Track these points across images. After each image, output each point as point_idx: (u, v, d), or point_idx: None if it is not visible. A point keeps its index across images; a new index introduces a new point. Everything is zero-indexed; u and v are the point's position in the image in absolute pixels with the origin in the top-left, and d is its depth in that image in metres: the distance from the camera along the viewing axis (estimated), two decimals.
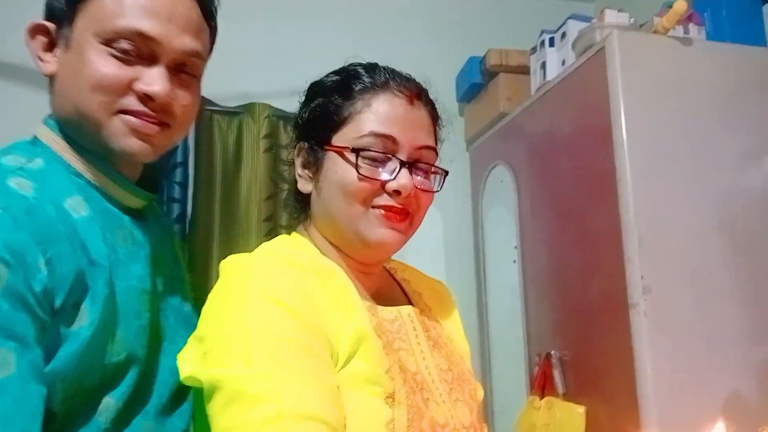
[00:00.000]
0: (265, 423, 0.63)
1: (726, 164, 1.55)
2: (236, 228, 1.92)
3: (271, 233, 1.96)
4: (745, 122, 1.58)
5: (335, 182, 0.83)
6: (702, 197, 1.51)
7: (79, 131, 0.79)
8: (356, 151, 0.82)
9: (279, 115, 2.09)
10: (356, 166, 0.82)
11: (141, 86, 0.76)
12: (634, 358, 1.40)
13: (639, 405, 1.38)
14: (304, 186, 0.88)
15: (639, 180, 1.45)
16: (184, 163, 1.90)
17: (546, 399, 1.65)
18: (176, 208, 1.87)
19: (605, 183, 1.50)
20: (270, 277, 0.75)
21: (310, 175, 0.87)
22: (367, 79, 0.87)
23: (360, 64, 0.90)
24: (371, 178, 0.82)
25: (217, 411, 0.67)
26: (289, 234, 0.92)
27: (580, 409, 1.56)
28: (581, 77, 1.66)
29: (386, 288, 0.95)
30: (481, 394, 0.96)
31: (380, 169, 0.82)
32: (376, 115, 0.83)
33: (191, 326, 0.79)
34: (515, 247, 2.00)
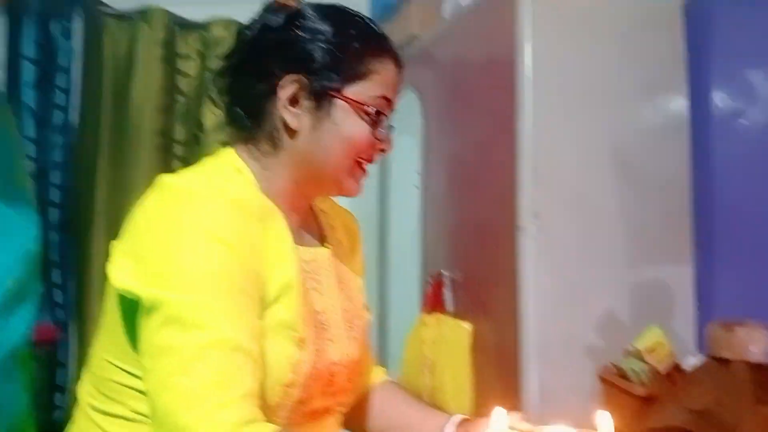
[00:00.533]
0: (201, 347, 0.67)
1: (622, 98, 1.59)
2: (126, 141, 1.82)
3: (164, 149, 1.88)
4: (642, 57, 1.62)
5: (343, 134, 0.83)
6: (597, 128, 1.56)
7: None
8: (378, 113, 0.84)
9: (179, 23, 1.97)
10: (373, 126, 0.84)
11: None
12: (519, 278, 1.47)
13: (520, 322, 1.46)
14: (293, 120, 0.83)
15: (538, 110, 1.48)
16: (68, 69, 1.76)
17: (435, 316, 1.71)
18: (58, 116, 1.75)
19: (506, 111, 1.52)
20: (218, 217, 0.75)
21: (301, 112, 0.83)
22: (384, 42, 0.87)
23: (374, 23, 0.89)
24: (380, 140, 0.86)
25: (152, 329, 0.70)
26: (225, 150, 0.87)
27: (467, 326, 1.63)
28: (492, 6, 1.65)
29: (308, 223, 0.94)
30: (369, 320, 0.99)
31: (378, 130, 0.86)
32: (386, 78, 0.86)
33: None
34: (418, 173, 2.03)
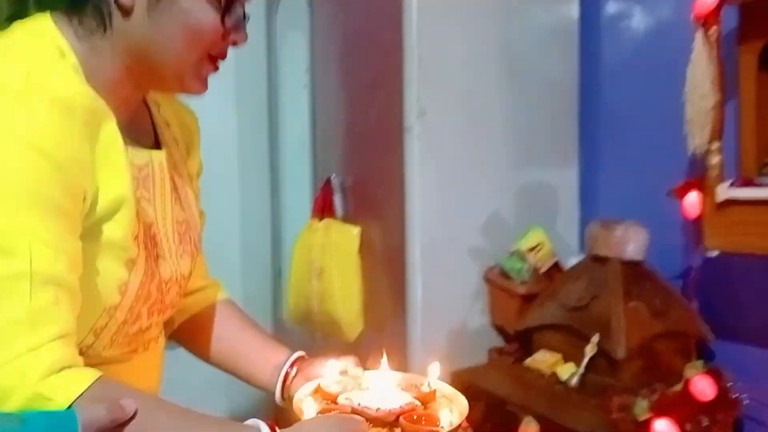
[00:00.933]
0: (11, 278, 0.56)
1: None
2: None
3: None
4: None
5: (188, 20, 0.70)
6: (485, 28, 1.51)
7: None
8: (232, 5, 0.73)
9: None
10: (223, 16, 0.72)
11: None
12: (405, 179, 1.43)
13: (406, 224, 1.44)
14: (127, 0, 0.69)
15: (424, 4, 1.40)
16: None
17: (324, 221, 1.66)
18: None
19: (393, 6, 1.44)
20: (37, 122, 0.61)
21: None
22: None
23: None
24: (232, 30, 0.74)
25: None
26: (42, 18, 0.70)
27: (354, 230, 1.60)
28: None
29: (140, 119, 0.81)
30: (202, 225, 0.91)
31: (227, 18, 0.73)
32: None
33: None
34: (306, 71, 1.92)
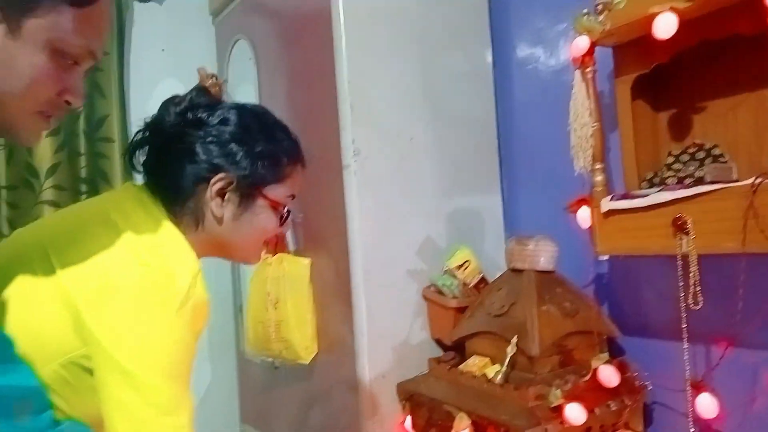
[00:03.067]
0: (179, 428, 0.86)
1: (431, 45, 1.74)
2: None
3: None
4: (450, 3, 1.79)
5: (258, 226, 1.03)
6: (409, 72, 1.70)
7: None
8: (288, 212, 1.07)
9: None
10: (281, 221, 1.06)
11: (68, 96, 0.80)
12: (346, 211, 1.60)
13: (349, 251, 1.60)
14: (218, 210, 0.99)
15: (353, 54, 1.59)
16: None
17: (277, 255, 1.81)
18: None
19: (326, 58, 1.62)
20: (186, 320, 0.88)
21: (226, 204, 1.00)
22: (299, 150, 1.09)
23: (291, 132, 1.09)
24: (283, 226, 1.07)
25: (134, 402, 0.83)
26: (165, 222, 0.96)
27: (306, 261, 1.75)
28: None
29: None
30: None
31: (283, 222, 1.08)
32: (296, 180, 1.07)
33: None
34: None
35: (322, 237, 1.76)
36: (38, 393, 0.75)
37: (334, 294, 1.69)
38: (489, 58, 1.84)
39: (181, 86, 2.37)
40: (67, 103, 0.80)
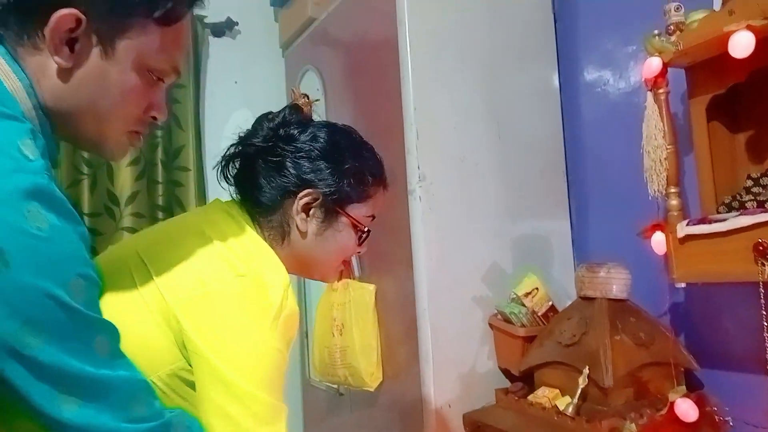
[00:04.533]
0: None
1: (496, 68, 1.74)
2: None
3: None
4: (515, 27, 1.78)
5: (339, 243, 1.05)
6: (474, 96, 1.70)
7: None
8: (368, 232, 1.08)
9: None
10: (360, 241, 1.07)
11: (154, 112, 0.84)
12: (411, 237, 1.60)
13: (414, 277, 1.59)
14: (303, 225, 1.02)
15: (418, 80, 1.60)
16: None
17: (343, 281, 1.82)
18: None
19: (393, 84, 1.64)
20: (281, 331, 0.89)
21: (310, 219, 1.02)
22: (382, 171, 1.11)
23: (376, 153, 1.12)
24: (361, 245, 1.09)
25: (237, 414, 0.84)
26: (256, 237, 0.99)
27: (371, 287, 1.76)
28: None
29: None
30: None
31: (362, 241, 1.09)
32: (377, 201, 1.10)
33: None
34: None
35: (387, 262, 1.77)
36: (148, 385, 0.78)
37: (400, 320, 1.69)
38: (555, 81, 1.82)
39: (252, 117, 2.46)
40: (153, 118, 0.85)
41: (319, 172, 1.02)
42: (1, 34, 0.74)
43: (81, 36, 0.74)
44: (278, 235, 1.02)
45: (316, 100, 2.28)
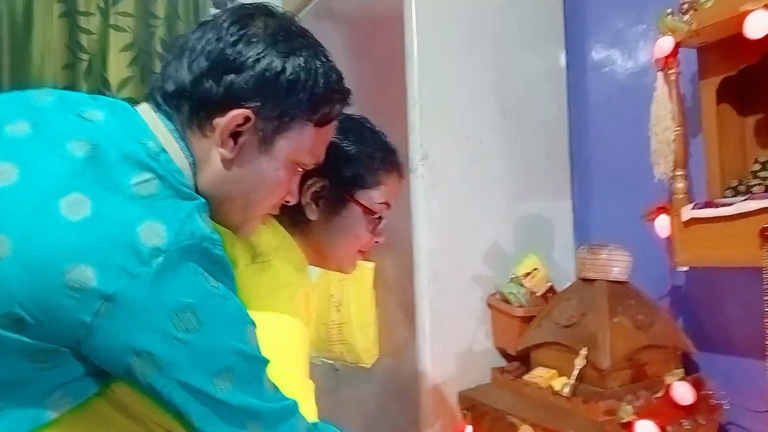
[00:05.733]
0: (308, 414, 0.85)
1: (503, 46, 1.70)
2: None
3: None
4: (524, 3, 1.75)
5: (351, 232, 1.02)
6: (479, 75, 1.67)
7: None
8: (379, 218, 1.03)
9: None
10: (374, 230, 1.04)
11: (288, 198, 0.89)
12: (412, 216, 1.58)
13: (414, 256, 1.58)
14: (312, 214, 0.99)
15: (424, 57, 1.57)
16: None
17: None
18: None
19: (397, 61, 1.61)
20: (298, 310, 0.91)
21: (318, 207, 1.00)
22: (394, 157, 1.06)
23: (388, 140, 1.08)
24: (377, 234, 1.06)
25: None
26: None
27: (370, 265, 1.74)
28: None
29: None
30: None
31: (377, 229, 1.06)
32: (390, 188, 1.05)
33: None
34: None
35: (387, 240, 1.74)
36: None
37: (398, 298, 1.68)
38: (563, 60, 1.79)
39: None
40: (286, 201, 0.90)
41: (326, 159, 0.97)
42: (171, 113, 0.79)
43: (246, 131, 0.79)
44: (289, 223, 1.00)
45: None
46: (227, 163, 0.80)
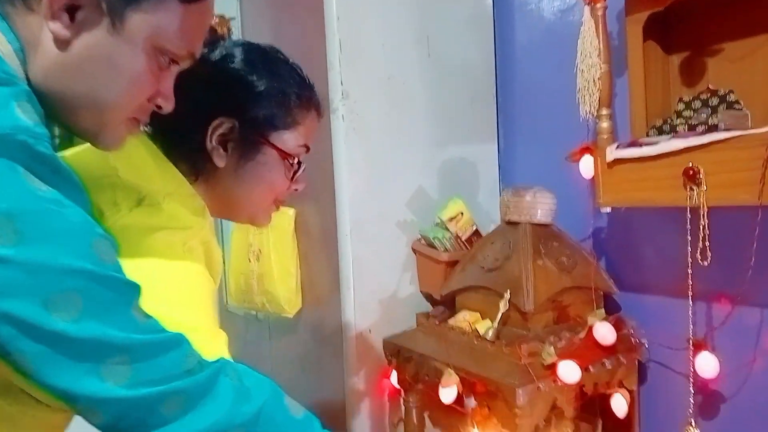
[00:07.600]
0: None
1: None
2: None
3: None
4: None
5: (265, 179, 0.90)
6: (404, 11, 1.59)
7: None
8: (298, 162, 0.92)
9: None
10: (293, 176, 0.93)
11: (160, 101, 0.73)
12: (333, 159, 1.51)
13: (336, 202, 1.51)
14: (219, 161, 0.87)
15: None
16: None
17: None
18: None
19: None
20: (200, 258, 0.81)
21: (226, 151, 0.88)
22: (312, 94, 0.94)
23: (304, 75, 0.95)
24: (296, 182, 0.94)
25: None
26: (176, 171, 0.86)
27: (290, 212, 1.67)
28: None
29: None
30: None
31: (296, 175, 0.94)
32: (308, 129, 0.93)
33: None
34: None
35: (308, 185, 1.67)
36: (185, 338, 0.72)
37: (320, 246, 1.62)
38: (489, 1, 1.73)
39: None
40: (158, 107, 0.74)
41: (233, 97, 0.87)
42: None
43: (86, 3, 0.63)
44: (190, 170, 0.87)
45: (232, 18, 2.10)
46: (62, 44, 0.63)
